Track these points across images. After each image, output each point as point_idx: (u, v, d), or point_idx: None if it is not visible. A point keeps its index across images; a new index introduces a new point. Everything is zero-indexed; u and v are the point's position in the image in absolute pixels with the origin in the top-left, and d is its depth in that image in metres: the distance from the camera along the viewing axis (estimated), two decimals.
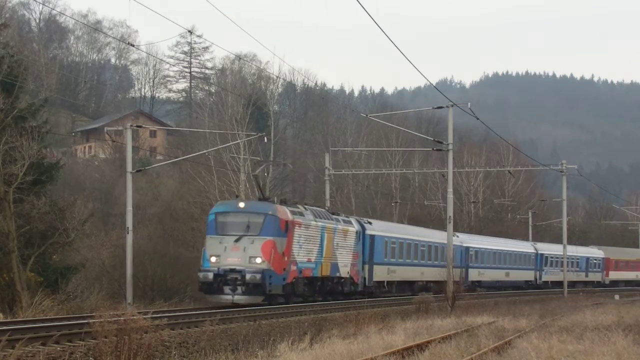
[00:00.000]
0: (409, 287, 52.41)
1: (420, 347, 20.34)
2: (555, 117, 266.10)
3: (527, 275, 73.02)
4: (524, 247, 74.39)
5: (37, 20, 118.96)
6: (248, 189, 68.17)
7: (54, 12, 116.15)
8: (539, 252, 75.64)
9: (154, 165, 54.22)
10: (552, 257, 76.72)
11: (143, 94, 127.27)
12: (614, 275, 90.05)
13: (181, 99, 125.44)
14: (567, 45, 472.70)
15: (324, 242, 40.02)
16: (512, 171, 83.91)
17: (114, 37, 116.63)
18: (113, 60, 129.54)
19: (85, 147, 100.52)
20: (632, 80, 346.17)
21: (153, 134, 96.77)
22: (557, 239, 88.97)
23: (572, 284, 77.31)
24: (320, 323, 27.79)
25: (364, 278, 45.33)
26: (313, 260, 38.92)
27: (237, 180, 69.15)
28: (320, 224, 39.96)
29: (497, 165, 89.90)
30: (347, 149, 78.64)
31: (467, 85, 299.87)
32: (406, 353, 19.08)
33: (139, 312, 16.89)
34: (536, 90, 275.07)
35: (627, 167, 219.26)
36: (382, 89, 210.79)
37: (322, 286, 40.51)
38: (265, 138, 59.86)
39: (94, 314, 17.53)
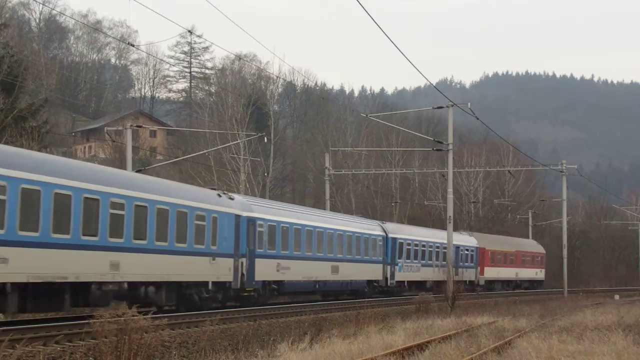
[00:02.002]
0: (82, 295, 25.16)
1: (420, 347, 20.34)
2: (555, 117, 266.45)
3: (371, 271, 48.22)
4: (367, 226, 49.39)
5: (37, 20, 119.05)
6: (248, 188, 68.26)
7: (54, 12, 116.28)
8: (390, 235, 51.45)
9: (154, 165, 54.14)
10: (410, 245, 53.98)
11: (143, 94, 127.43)
12: (490, 272, 68.22)
13: (181, 99, 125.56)
14: (567, 45, 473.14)
15: None
16: (512, 171, 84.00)
17: (114, 37, 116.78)
18: (113, 60, 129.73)
19: (85, 147, 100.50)
20: (632, 80, 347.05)
21: (153, 134, 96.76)
22: (557, 239, 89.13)
23: (437, 284, 56.06)
24: (320, 323, 27.79)
25: None
26: None
27: (237, 180, 69.24)
28: None
29: (497, 165, 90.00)
30: (347, 149, 78.70)
31: (467, 85, 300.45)
32: (406, 353, 19.07)
33: (139, 312, 16.89)
34: (536, 90, 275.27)
35: (627, 167, 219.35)
36: (382, 89, 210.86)
37: None
38: (265, 138, 59.87)
39: (94, 314, 17.52)
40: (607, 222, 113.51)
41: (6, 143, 35.75)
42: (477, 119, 45.64)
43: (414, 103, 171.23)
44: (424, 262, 55.97)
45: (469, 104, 45.03)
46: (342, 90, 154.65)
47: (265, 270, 36.46)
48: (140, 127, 62.88)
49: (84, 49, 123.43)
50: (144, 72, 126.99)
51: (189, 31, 73.27)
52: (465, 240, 64.31)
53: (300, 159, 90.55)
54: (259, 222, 36.11)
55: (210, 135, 71.03)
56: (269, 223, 37.08)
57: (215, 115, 78.98)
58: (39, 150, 37.80)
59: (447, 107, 44.52)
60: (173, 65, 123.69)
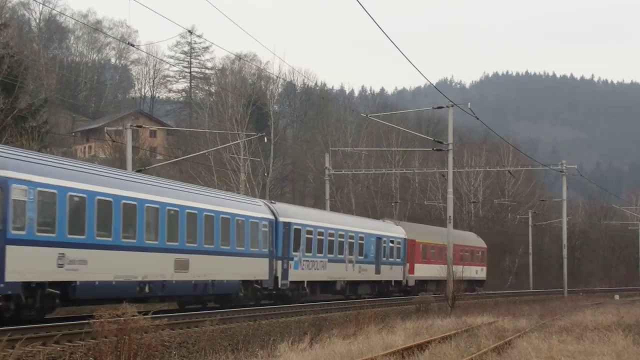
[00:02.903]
0: None
1: (420, 347, 20.33)
2: (555, 117, 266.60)
3: (251, 268, 35.12)
4: (243, 205, 35.87)
5: (37, 20, 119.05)
6: (248, 188, 68.26)
7: (54, 12, 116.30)
8: (281, 219, 38.19)
9: (154, 165, 54.23)
10: (311, 233, 41.03)
11: (143, 94, 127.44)
12: (422, 270, 55.97)
13: (181, 99, 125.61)
14: (567, 46, 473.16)
15: None
16: (512, 171, 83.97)
17: (114, 37, 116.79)
18: (113, 60, 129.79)
19: (85, 147, 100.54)
20: (632, 80, 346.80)
21: (153, 134, 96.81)
22: (556, 239, 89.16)
23: (352, 286, 46.28)
24: (320, 323, 27.81)
25: None
26: None
27: (237, 180, 69.24)
28: None
29: (497, 165, 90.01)
30: (347, 149, 78.74)
31: (467, 85, 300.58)
32: (406, 353, 19.07)
33: (139, 312, 16.90)
34: (536, 90, 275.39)
35: (627, 167, 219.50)
36: (382, 89, 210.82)
37: None
38: (265, 138, 59.88)
39: (94, 314, 17.52)
40: (607, 222, 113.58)
41: (6, 143, 35.78)
42: (477, 119, 45.66)
43: (414, 103, 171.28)
44: (332, 256, 42.85)
45: (469, 104, 45.07)
46: (342, 90, 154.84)
47: (31, 264, 23.21)
48: (140, 127, 62.93)
49: (84, 49, 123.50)
50: (144, 72, 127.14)
51: (189, 31, 73.30)
52: (390, 229, 52.28)
53: (300, 159, 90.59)
54: (15, 185, 22.61)
55: (210, 135, 71.04)
56: (41, 189, 23.56)
57: (215, 115, 78.99)
58: (39, 150, 37.69)
59: (447, 107, 44.54)
60: (173, 65, 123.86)
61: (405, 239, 53.57)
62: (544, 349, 19.75)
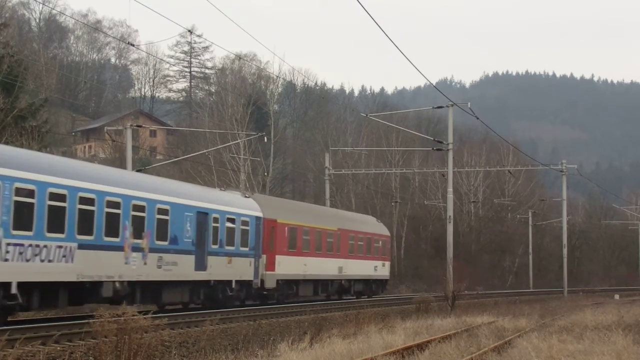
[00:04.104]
0: None
1: (420, 346, 20.33)
2: (555, 117, 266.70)
3: None
4: None
5: (37, 20, 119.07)
6: (248, 188, 68.25)
7: (54, 11, 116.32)
8: None
9: (154, 165, 54.28)
10: (31, 193, 22.18)
11: (143, 93, 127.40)
12: (289, 266, 38.61)
13: (181, 98, 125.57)
14: (567, 45, 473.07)
15: None
16: (512, 171, 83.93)
17: (114, 37, 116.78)
18: (113, 60, 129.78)
19: (85, 147, 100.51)
20: (632, 80, 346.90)
21: (153, 133, 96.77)
22: (556, 239, 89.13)
23: (146, 289, 27.91)
24: (320, 323, 27.80)
25: None
26: None
27: (237, 179, 69.23)
28: None
29: (497, 165, 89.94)
30: (347, 148, 78.70)
31: (467, 85, 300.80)
32: (406, 353, 19.07)
33: (139, 312, 16.90)
34: (536, 90, 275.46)
35: (627, 167, 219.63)
36: (382, 89, 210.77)
37: None
38: (265, 138, 59.87)
39: (94, 314, 17.52)
40: (607, 222, 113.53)
41: (6, 143, 35.80)
42: (477, 118, 45.67)
43: (414, 103, 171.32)
44: (88, 238, 24.74)
45: (469, 103, 45.07)
46: (342, 90, 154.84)
47: None
48: (140, 126, 62.93)
49: (84, 49, 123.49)
50: (144, 72, 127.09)
51: (189, 31, 73.46)
52: (231, 202, 34.75)
53: (300, 158, 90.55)
54: None
55: (210, 135, 71.05)
56: None
57: (215, 115, 78.99)
58: (39, 150, 37.68)
59: (447, 106, 44.59)
60: (173, 65, 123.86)
61: (259, 217, 36.00)
62: (544, 348, 19.74)
